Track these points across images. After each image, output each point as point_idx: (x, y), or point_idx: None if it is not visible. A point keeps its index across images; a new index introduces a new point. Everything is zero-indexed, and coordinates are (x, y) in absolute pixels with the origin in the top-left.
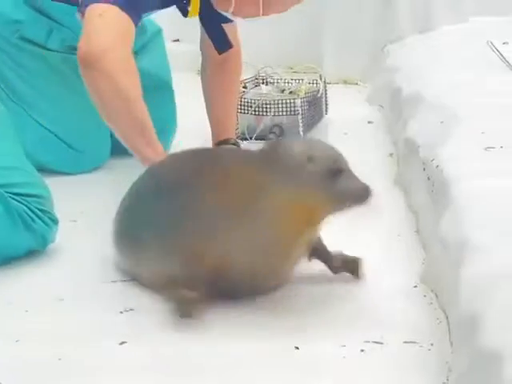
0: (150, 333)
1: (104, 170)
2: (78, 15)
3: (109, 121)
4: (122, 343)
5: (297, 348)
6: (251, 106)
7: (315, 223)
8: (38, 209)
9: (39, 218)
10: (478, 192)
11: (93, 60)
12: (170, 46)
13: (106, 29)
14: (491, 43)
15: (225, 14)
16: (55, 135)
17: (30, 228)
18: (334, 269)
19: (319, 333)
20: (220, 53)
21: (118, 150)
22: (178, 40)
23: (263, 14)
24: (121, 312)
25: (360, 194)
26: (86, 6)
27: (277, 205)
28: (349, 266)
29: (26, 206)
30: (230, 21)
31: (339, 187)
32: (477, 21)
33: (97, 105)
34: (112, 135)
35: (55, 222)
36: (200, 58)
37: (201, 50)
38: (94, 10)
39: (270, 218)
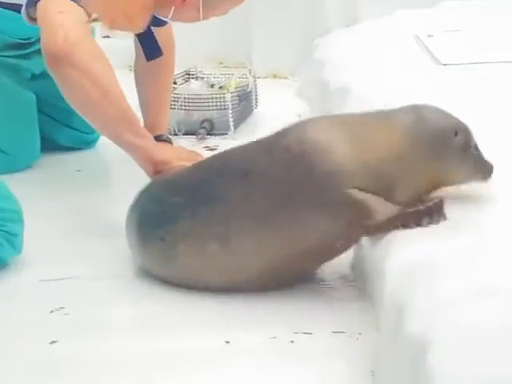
0: (80, 331)
1: (35, 168)
2: (24, 14)
3: (89, 115)
4: (53, 342)
5: (227, 342)
6: (181, 102)
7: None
8: None
9: None
10: None
11: (64, 55)
12: (100, 42)
13: (70, 23)
14: (416, 36)
15: (163, 18)
16: None
17: None
18: None
19: (249, 326)
20: (149, 60)
21: (47, 147)
22: (108, 36)
23: (203, 18)
24: (51, 311)
25: (488, 171)
26: (36, 1)
27: (415, 175)
28: None
29: None
30: (165, 23)
31: (474, 161)
32: (402, 14)
33: (74, 101)
34: (41, 132)
35: None
36: (131, 54)
37: (135, 47)
38: (50, 6)
39: (404, 186)
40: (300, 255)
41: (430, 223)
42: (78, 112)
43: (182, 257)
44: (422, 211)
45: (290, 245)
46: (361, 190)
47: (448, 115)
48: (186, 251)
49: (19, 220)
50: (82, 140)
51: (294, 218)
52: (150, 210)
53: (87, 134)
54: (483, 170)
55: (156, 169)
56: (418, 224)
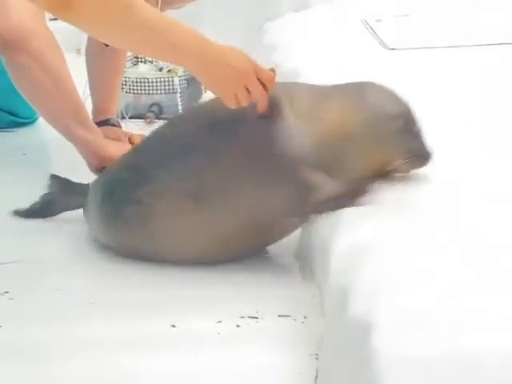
0: (25, 316)
1: None
2: None
3: (38, 103)
4: None
5: (173, 326)
6: (129, 85)
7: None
8: None
9: None
10: None
11: (20, 41)
12: (48, 25)
13: (24, 8)
14: (365, 21)
15: None
16: None
17: None
18: None
19: (195, 310)
20: (107, 45)
21: None
22: (56, 19)
23: (161, 11)
24: None
25: (424, 158)
26: None
27: (361, 155)
28: None
29: None
30: None
31: (411, 146)
32: None
33: (23, 87)
34: None
35: None
36: (79, 37)
37: None
38: None
39: (352, 165)
40: (256, 224)
41: (352, 206)
42: (25, 97)
43: (158, 216)
44: (346, 193)
45: (248, 210)
46: (309, 165)
47: (392, 96)
48: (163, 210)
49: None
50: (24, 124)
51: (252, 182)
52: (122, 179)
53: (31, 122)
54: (420, 157)
55: (101, 163)
56: (342, 206)
